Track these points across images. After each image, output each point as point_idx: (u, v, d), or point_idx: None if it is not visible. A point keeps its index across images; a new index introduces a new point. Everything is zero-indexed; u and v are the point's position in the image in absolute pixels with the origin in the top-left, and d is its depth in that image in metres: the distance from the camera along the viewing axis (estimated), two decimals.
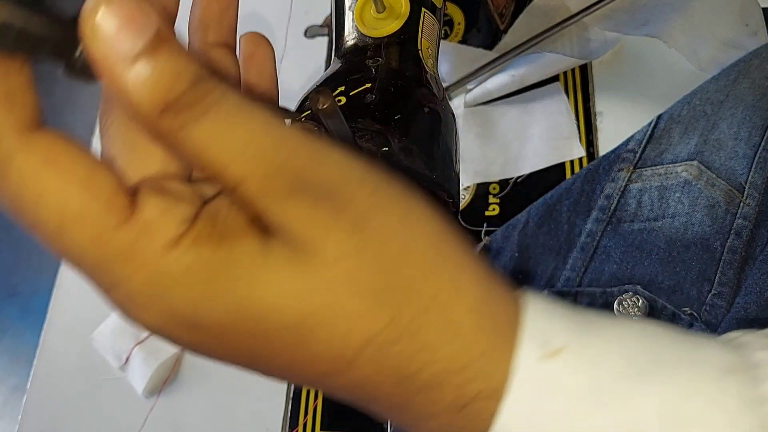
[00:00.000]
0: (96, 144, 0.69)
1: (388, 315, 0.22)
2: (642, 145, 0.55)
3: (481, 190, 0.59)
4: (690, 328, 0.48)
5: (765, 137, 0.52)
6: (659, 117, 0.55)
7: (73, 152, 0.20)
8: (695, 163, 0.52)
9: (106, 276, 0.21)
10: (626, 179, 0.54)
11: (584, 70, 0.61)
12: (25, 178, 0.20)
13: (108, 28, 0.19)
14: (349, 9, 0.38)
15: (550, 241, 0.54)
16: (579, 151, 0.57)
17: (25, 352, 1.70)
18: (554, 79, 0.61)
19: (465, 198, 0.59)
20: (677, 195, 0.52)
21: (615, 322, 0.25)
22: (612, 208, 0.53)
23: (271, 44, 0.30)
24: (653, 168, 0.54)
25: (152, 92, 0.19)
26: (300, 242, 0.21)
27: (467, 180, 0.59)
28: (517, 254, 0.53)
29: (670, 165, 0.53)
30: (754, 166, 0.51)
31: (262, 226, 0.22)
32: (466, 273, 0.23)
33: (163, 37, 0.19)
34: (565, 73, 0.61)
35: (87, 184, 0.20)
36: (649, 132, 0.55)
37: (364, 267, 0.22)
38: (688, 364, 0.23)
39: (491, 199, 0.59)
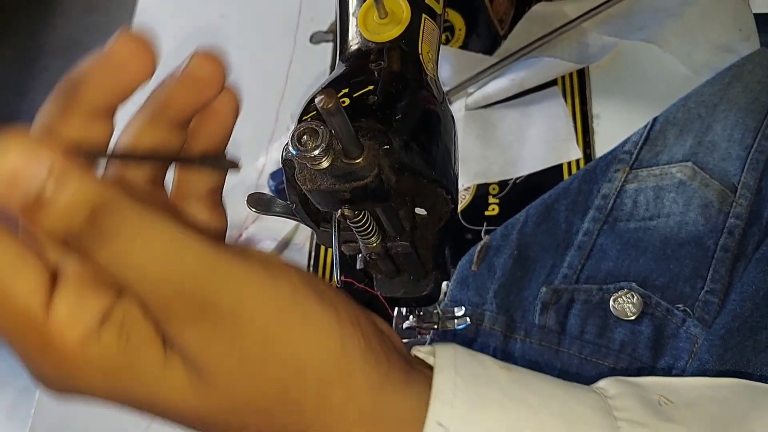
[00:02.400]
0: None
1: (275, 428, 0.24)
2: (638, 147, 0.56)
3: (481, 190, 0.60)
4: (683, 324, 0.49)
5: (757, 139, 0.53)
6: (655, 119, 0.56)
7: (3, 240, 0.22)
8: (690, 164, 0.54)
9: (21, 356, 0.24)
10: (623, 179, 0.55)
11: (582, 74, 0.62)
12: None
13: (8, 164, 0.20)
14: (353, 15, 0.39)
15: (548, 240, 0.55)
16: (576, 153, 0.59)
17: None
18: (552, 83, 0.62)
19: (465, 198, 0.60)
20: (672, 195, 0.53)
21: (516, 399, 0.26)
22: (608, 207, 0.55)
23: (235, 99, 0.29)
24: (649, 169, 0.55)
25: (56, 224, 0.20)
26: (196, 365, 0.23)
27: (468, 181, 0.60)
28: (516, 252, 0.55)
29: (666, 166, 0.54)
30: (746, 167, 0.53)
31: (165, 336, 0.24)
32: (356, 387, 0.25)
33: (60, 171, 0.20)
34: (563, 77, 0.62)
35: (12, 274, 0.22)
36: (645, 134, 0.56)
37: (253, 392, 0.24)
38: None
39: (491, 200, 0.60)
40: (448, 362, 0.27)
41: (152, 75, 0.25)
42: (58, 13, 2.19)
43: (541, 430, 0.26)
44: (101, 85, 0.25)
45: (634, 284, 0.51)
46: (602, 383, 0.29)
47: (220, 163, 0.28)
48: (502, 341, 0.53)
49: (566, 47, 0.61)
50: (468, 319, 0.53)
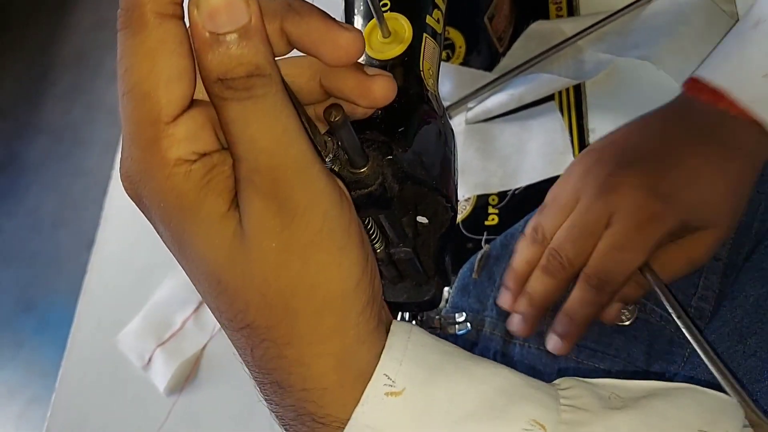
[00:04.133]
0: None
1: (266, 320, 0.27)
2: None
3: (481, 201, 0.62)
4: (677, 330, 0.50)
5: None
6: None
7: (177, 50, 0.25)
8: None
9: (126, 141, 0.26)
10: None
11: (578, 89, 0.63)
12: (134, 47, 0.25)
13: (209, 5, 0.23)
14: None
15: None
16: None
17: (42, 365, 1.72)
18: (550, 98, 0.63)
19: (466, 209, 0.62)
20: None
21: (462, 369, 0.28)
22: None
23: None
24: None
25: (216, 64, 0.24)
26: (248, 231, 0.26)
27: (468, 191, 0.62)
28: None
29: None
30: None
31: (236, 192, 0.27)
32: (345, 325, 0.27)
33: (248, 31, 0.23)
34: (560, 92, 0.63)
35: (167, 83, 0.25)
36: None
37: (271, 276, 0.26)
38: (503, 417, 0.27)
39: (490, 210, 0.61)
40: (403, 329, 0.29)
41: None
42: (68, 27, 2.21)
43: (481, 400, 0.27)
44: None
45: None
46: (559, 380, 0.31)
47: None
48: (502, 345, 0.54)
49: (563, 64, 0.63)
50: (468, 324, 0.54)
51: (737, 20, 0.60)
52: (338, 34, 0.27)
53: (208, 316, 0.60)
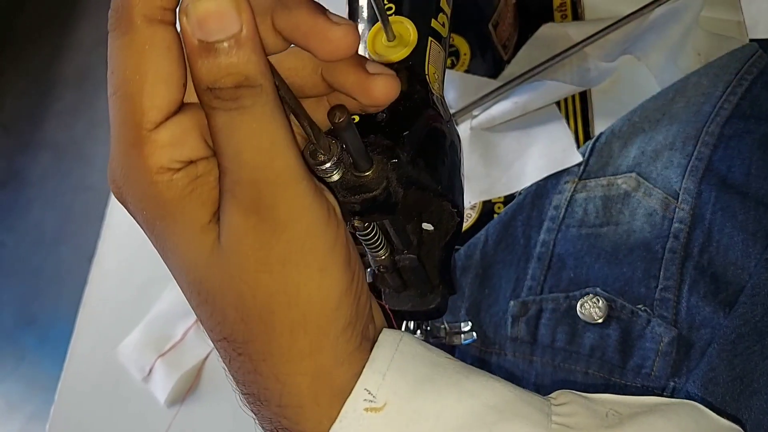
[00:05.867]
0: None
1: (243, 334, 0.26)
2: (585, 158, 0.58)
3: (487, 208, 0.62)
4: (648, 324, 0.50)
5: (697, 146, 0.55)
6: (601, 133, 0.58)
7: (165, 54, 0.24)
8: (633, 174, 0.55)
9: (112, 143, 0.26)
10: (572, 190, 0.57)
11: (584, 97, 0.64)
12: (120, 48, 0.24)
13: (198, 12, 0.22)
14: (362, 39, 0.41)
15: (509, 256, 0.57)
16: (577, 158, 0.59)
17: (42, 380, 1.72)
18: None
19: (472, 216, 0.61)
20: (618, 206, 0.55)
21: (453, 382, 0.27)
22: (561, 216, 0.56)
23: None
24: (596, 179, 0.57)
25: (205, 73, 0.23)
26: (225, 245, 0.25)
27: (473, 198, 0.61)
28: (481, 271, 0.57)
29: (612, 177, 0.56)
30: (687, 173, 0.54)
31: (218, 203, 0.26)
32: (321, 344, 0.26)
33: (239, 40, 0.23)
34: (566, 99, 0.64)
35: (152, 87, 0.24)
36: (590, 146, 0.58)
37: (249, 289, 0.25)
38: None
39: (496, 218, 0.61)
40: (392, 339, 0.28)
41: None
42: (70, 46, 2.23)
43: (470, 415, 0.26)
44: None
45: (598, 289, 0.52)
46: (555, 393, 0.30)
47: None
48: (479, 355, 0.55)
49: (568, 72, 0.63)
50: (474, 334, 0.54)
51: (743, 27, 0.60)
52: (327, 28, 0.26)
53: None
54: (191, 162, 0.26)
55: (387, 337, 0.28)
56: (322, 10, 0.26)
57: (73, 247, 1.88)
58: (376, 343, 0.28)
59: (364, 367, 0.27)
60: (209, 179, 0.26)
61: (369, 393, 0.26)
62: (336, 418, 0.26)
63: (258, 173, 0.24)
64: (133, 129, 0.25)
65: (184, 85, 0.25)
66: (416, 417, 0.26)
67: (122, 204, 0.27)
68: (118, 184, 0.26)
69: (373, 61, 0.29)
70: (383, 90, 0.29)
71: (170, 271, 0.27)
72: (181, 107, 0.26)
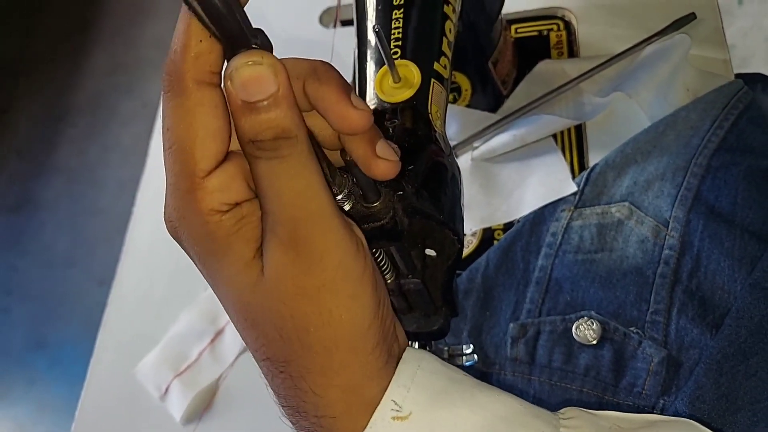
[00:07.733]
0: (140, 195, 0.74)
1: (283, 354, 0.29)
2: (580, 188, 0.61)
3: (487, 234, 0.64)
4: (639, 345, 0.52)
5: (686, 177, 0.57)
6: (595, 164, 0.61)
7: (212, 112, 0.28)
8: (626, 203, 0.58)
9: (168, 191, 0.29)
10: (568, 218, 0.60)
11: (579, 130, 0.66)
12: (174, 108, 0.28)
13: (241, 77, 0.26)
14: (370, 80, 0.44)
15: (509, 280, 0.59)
16: (572, 187, 0.61)
17: (54, 402, 1.72)
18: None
19: (473, 242, 0.64)
20: (612, 233, 0.58)
21: (468, 395, 0.31)
22: (558, 243, 0.59)
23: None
24: (591, 208, 0.59)
25: (248, 128, 0.26)
26: (268, 276, 0.29)
27: (474, 225, 0.63)
28: (482, 294, 0.59)
29: (606, 205, 0.59)
30: (677, 202, 0.57)
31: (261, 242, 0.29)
32: (353, 361, 0.30)
33: (276, 99, 0.26)
34: (562, 132, 0.66)
35: (202, 141, 0.28)
36: (585, 176, 0.61)
37: (291, 319, 0.29)
38: None
39: (496, 243, 0.63)
40: (414, 357, 0.31)
41: None
42: (84, 72, 2.25)
43: (482, 425, 0.29)
44: None
45: (592, 312, 0.54)
46: (563, 410, 0.32)
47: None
48: (480, 376, 0.56)
49: (564, 106, 0.65)
50: (475, 356, 0.56)
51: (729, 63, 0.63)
52: (346, 109, 0.29)
53: (224, 348, 0.62)
54: (237, 204, 0.29)
55: (410, 355, 0.31)
56: (348, 90, 0.30)
57: (84, 270, 1.89)
58: (401, 360, 0.31)
59: (390, 381, 0.30)
60: (252, 219, 0.29)
61: (395, 404, 0.29)
62: (366, 426, 0.29)
63: (296, 212, 0.28)
64: (187, 178, 0.28)
65: (230, 137, 0.29)
66: (436, 425, 0.29)
67: (177, 241, 0.30)
68: (174, 225, 0.30)
69: (385, 140, 0.33)
70: (383, 172, 0.32)
71: (219, 299, 0.31)
72: (227, 156, 0.29)
